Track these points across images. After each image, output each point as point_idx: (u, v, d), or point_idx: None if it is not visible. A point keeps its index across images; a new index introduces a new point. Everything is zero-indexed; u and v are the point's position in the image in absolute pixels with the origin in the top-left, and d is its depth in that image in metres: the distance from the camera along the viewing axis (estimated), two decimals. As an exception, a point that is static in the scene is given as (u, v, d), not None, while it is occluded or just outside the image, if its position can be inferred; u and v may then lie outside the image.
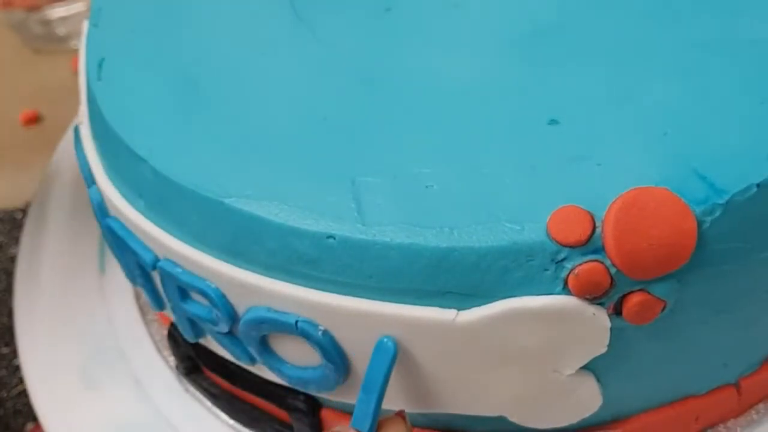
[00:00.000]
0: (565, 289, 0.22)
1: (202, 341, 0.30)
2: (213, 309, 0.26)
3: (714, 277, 0.24)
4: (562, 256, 0.22)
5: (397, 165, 0.24)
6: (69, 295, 0.39)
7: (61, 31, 0.62)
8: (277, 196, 0.24)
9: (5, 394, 0.41)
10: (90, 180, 0.30)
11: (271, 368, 0.27)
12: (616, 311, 0.23)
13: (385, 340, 0.24)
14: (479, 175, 0.24)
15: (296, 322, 0.24)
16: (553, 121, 0.25)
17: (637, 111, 0.25)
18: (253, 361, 0.28)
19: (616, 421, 0.28)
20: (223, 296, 0.26)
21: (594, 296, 0.22)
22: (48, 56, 0.62)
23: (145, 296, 0.31)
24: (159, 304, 0.30)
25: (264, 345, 0.26)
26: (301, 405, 0.29)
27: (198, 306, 0.27)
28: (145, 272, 0.29)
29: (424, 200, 0.23)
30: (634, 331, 0.24)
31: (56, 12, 0.61)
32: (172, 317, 0.30)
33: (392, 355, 0.24)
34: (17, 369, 0.40)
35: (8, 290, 0.43)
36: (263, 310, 0.25)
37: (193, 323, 0.28)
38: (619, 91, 0.25)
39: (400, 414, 0.25)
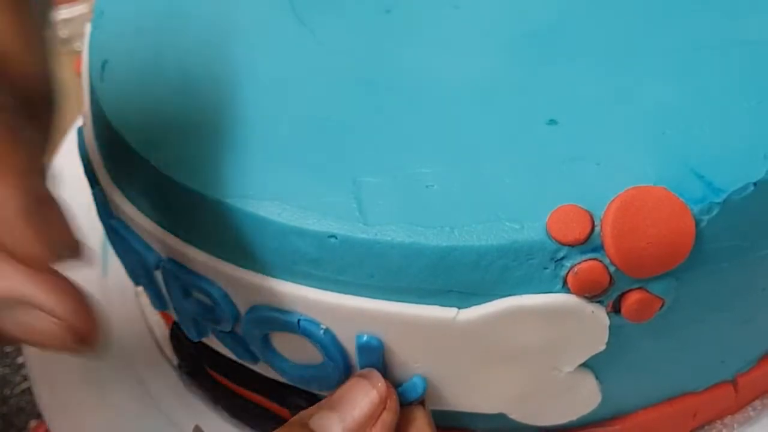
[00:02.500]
0: (565, 288, 0.23)
1: (204, 340, 0.30)
2: (215, 308, 0.26)
3: (711, 275, 0.24)
4: (561, 254, 0.22)
5: (398, 165, 0.24)
6: (72, 294, 0.39)
7: (63, 33, 0.62)
8: (279, 196, 0.24)
9: (9, 392, 0.41)
10: (93, 181, 0.31)
11: (273, 366, 0.27)
12: (615, 309, 0.23)
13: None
14: (479, 175, 0.24)
15: (298, 320, 0.25)
16: (552, 121, 0.25)
17: (635, 111, 0.25)
18: (255, 359, 0.28)
19: (615, 418, 0.28)
20: (225, 295, 0.26)
21: (593, 294, 0.23)
22: (50, 57, 0.62)
23: (147, 295, 0.31)
24: (161, 304, 0.30)
25: (266, 343, 0.27)
26: (303, 403, 0.29)
27: (201, 305, 0.27)
28: (148, 272, 0.29)
29: (424, 200, 0.23)
30: (632, 329, 0.24)
31: (59, 14, 0.61)
32: (175, 316, 0.30)
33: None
34: (21, 367, 0.40)
35: (11, 290, 0.43)
36: (265, 309, 0.25)
37: (196, 322, 0.28)
38: (617, 91, 0.26)
39: (421, 402, 0.25)
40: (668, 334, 0.25)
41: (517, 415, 0.26)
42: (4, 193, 0.18)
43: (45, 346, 0.20)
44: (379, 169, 0.24)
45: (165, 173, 0.26)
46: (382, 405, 0.24)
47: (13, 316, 0.19)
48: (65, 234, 0.19)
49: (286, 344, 0.26)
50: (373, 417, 0.24)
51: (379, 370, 0.25)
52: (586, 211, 0.22)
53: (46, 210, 0.19)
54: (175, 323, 0.33)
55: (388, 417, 0.24)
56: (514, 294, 0.23)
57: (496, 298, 0.23)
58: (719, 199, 0.22)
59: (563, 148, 0.24)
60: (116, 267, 0.35)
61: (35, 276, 0.19)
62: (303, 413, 0.24)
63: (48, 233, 0.19)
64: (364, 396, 0.24)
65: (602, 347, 0.24)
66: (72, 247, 0.19)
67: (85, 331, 0.20)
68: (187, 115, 0.27)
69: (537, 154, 0.24)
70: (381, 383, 0.24)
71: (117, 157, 0.29)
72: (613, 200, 0.22)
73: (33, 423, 0.40)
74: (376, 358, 0.25)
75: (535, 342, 0.24)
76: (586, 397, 0.26)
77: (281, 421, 0.31)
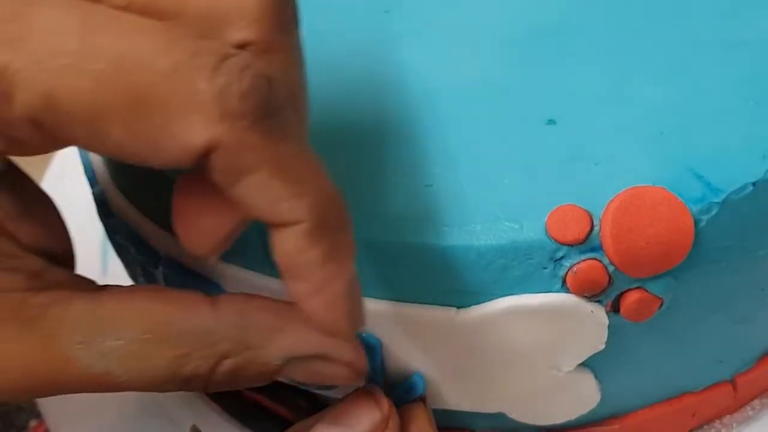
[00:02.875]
0: (564, 287, 0.23)
1: (204, 339, 0.30)
2: (215, 307, 0.26)
3: (710, 274, 0.24)
4: (560, 254, 0.22)
5: (397, 165, 0.24)
6: (72, 294, 0.39)
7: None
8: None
9: (9, 392, 0.41)
10: (93, 180, 0.31)
11: (273, 366, 0.27)
12: (614, 309, 0.23)
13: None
14: (478, 175, 0.24)
15: (298, 320, 0.25)
16: (551, 121, 0.25)
17: (633, 111, 0.25)
18: (255, 359, 0.28)
19: (614, 417, 0.28)
20: (225, 295, 0.26)
21: (592, 294, 0.23)
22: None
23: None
24: (161, 303, 0.30)
25: (266, 343, 0.27)
26: (303, 403, 0.29)
27: (200, 304, 0.27)
28: (148, 272, 0.29)
29: (423, 199, 0.23)
30: (631, 328, 0.24)
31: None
32: (175, 316, 0.30)
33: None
34: (20, 367, 0.41)
35: (11, 289, 0.43)
36: (265, 308, 0.25)
37: (196, 322, 0.28)
38: (615, 91, 0.26)
39: (422, 400, 0.25)
40: (667, 334, 0.25)
41: (517, 414, 0.26)
42: (334, 272, 0.19)
43: (327, 384, 0.22)
44: (378, 169, 0.24)
45: (164, 172, 0.26)
46: (383, 425, 0.24)
47: (305, 366, 0.21)
48: (363, 313, 0.21)
49: (285, 344, 0.26)
50: (369, 423, 0.24)
51: (378, 369, 0.25)
52: (585, 210, 0.22)
53: (356, 292, 0.20)
54: (174, 323, 0.33)
55: None
56: (513, 293, 0.23)
57: (495, 298, 0.23)
58: (718, 199, 0.22)
59: (562, 148, 0.24)
60: (116, 266, 0.35)
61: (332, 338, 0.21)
62: (303, 422, 0.24)
63: (354, 314, 0.20)
64: (366, 415, 0.24)
65: (601, 347, 0.24)
66: (363, 323, 0.21)
67: (365, 369, 0.22)
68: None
69: (536, 154, 0.24)
70: (385, 402, 0.24)
71: (117, 157, 0.29)
72: (612, 200, 0.22)
73: (33, 422, 0.40)
74: (376, 357, 0.25)
75: (534, 341, 0.24)
76: (585, 396, 0.26)
77: (280, 420, 0.31)
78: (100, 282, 0.42)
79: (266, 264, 0.24)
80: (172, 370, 0.20)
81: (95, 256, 0.41)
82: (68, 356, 0.19)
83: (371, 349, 0.24)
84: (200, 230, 0.20)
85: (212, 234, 0.20)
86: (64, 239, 0.22)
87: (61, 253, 0.21)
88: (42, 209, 0.21)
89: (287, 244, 0.18)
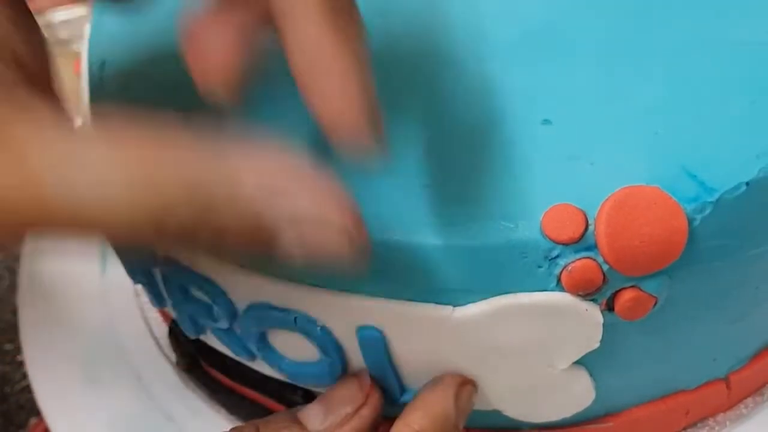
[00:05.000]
0: (559, 286, 0.23)
1: (202, 337, 0.30)
2: (213, 306, 0.26)
3: (704, 273, 0.24)
4: (555, 253, 0.22)
5: (394, 164, 0.24)
6: (71, 292, 0.39)
7: (63, 34, 0.62)
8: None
9: (9, 390, 0.41)
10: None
11: (270, 363, 0.27)
12: (609, 307, 0.23)
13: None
14: (474, 174, 0.24)
15: (295, 318, 0.25)
16: (546, 121, 0.25)
17: (628, 111, 0.25)
18: (252, 356, 0.28)
19: (608, 415, 0.28)
20: (223, 293, 0.26)
21: (587, 293, 0.23)
22: (50, 57, 0.62)
23: (146, 293, 0.32)
24: (160, 301, 0.30)
25: (263, 340, 0.27)
26: (299, 400, 0.29)
27: (199, 303, 0.27)
28: (146, 270, 0.29)
29: (420, 198, 0.24)
30: (626, 327, 0.24)
31: (58, 16, 0.61)
32: (173, 314, 0.30)
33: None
34: (21, 365, 0.41)
35: (12, 288, 0.43)
36: (263, 307, 0.25)
37: (194, 320, 0.29)
38: (610, 91, 0.26)
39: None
40: (661, 332, 0.25)
41: (512, 412, 0.27)
42: (346, 53, 0.19)
43: (319, 257, 0.20)
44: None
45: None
46: (361, 400, 0.24)
47: (299, 230, 0.20)
48: (378, 109, 0.20)
49: (283, 341, 0.26)
50: (353, 404, 0.24)
51: (385, 365, 0.25)
52: (580, 210, 0.22)
53: (368, 78, 0.20)
54: (173, 321, 0.33)
55: (366, 412, 0.24)
56: (509, 292, 0.23)
57: (491, 296, 0.23)
58: (712, 199, 0.23)
59: (557, 148, 0.24)
60: (115, 265, 0.36)
61: (325, 195, 0.20)
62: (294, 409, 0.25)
63: (369, 98, 0.20)
64: (347, 392, 0.24)
65: (596, 345, 0.24)
66: (381, 127, 0.20)
67: (361, 239, 0.20)
68: (186, 114, 0.27)
69: (531, 154, 0.24)
70: (366, 381, 0.25)
71: (116, 156, 0.29)
72: (607, 199, 0.22)
73: (33, 421, 0.40)
74: (380, 348, 0.25)
75: (529, 339, 0.24)
76: (580, 394, 0.26)
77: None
78: (99, 284, 0.42)
79: (265, 262, 0.25)
80: (149, 207, 0.18)
81: (94, 254, 0.41)
82: (40, 181, 0.18)
83: (375, 341, 0.24)
84: (211, 57, 0.20)
85: (223, 60, 0.20)
86: (43, 58, 0.21)
87: (38, 72, 0.21)
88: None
89: (300, 33, 0.19)
